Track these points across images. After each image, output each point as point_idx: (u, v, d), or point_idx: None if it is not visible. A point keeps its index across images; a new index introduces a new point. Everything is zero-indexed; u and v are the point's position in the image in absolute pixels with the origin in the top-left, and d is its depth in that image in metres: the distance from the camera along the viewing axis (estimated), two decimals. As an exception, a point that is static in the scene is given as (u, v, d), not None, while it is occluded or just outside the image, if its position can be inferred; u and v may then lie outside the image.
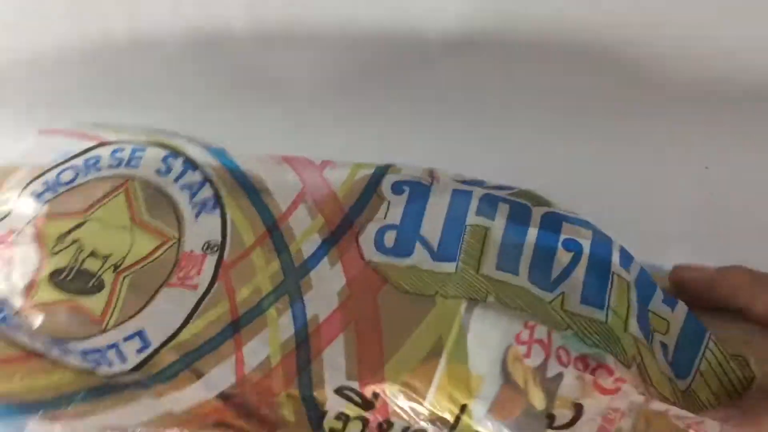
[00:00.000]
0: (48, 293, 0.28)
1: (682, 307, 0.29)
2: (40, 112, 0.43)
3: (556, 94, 0.41)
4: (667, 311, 0.28)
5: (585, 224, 0.29)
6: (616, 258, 0.28)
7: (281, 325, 0.27)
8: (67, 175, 0.31)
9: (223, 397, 0.27)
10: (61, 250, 0.29)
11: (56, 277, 0.28)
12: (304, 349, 0.27)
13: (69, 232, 0.29)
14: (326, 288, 0.28)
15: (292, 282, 0.28)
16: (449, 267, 0.28)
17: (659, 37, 0.39)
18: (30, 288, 0.28)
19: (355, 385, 0.26)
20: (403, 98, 0.42)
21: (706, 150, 0.40)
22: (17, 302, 0.28)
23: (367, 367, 0.27)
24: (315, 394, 0.27)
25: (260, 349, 0.27)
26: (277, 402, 0.27)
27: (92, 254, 0.29)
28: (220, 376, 0.27)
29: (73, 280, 0.28)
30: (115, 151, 0.31)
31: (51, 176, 0.31)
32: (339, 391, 0.26)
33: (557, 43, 0.40)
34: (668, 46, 0.39)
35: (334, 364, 0.27)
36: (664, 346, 0.28)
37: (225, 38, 0.41)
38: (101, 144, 0.32)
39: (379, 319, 0.27)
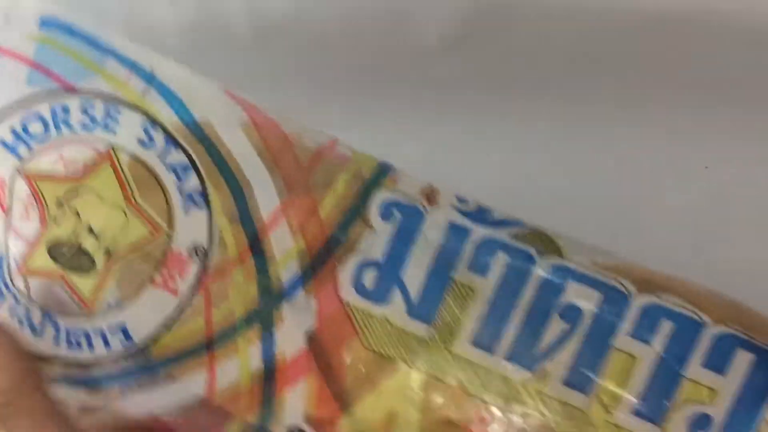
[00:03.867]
0: (43, 261, 0.28)
1: (738, 369, 0.24)
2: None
3: (555, 94, 0.41)
4: (712, 376, 0.24)
5: (599, 285, 0.25)
6: (627, 325, 0.25)
7: (251, 354, 0.27)
8: (36, 128, 0.28)
9: (185, 409, 0.27)
10: (60, 219, 0.28)
11: (55, 250, 0.28)
12: (269, 383, 0.27)
13: (66, 197, 0.28)
14: (297, 324, 0.26)
15: (266, 311, 0.27)
16: (421, 330, 0.26)
17: (660, 34, 0.39)
18: (28, 253, 0.28)
19: (307, 429, 0.27)
20: (403, 96, 0.42)
21: (706, 150, 0.40)
22: (12, 263, 0.28)
23: (323, 417, 0.26)
24: (270, 426, 0.27)
25: (232, 371, 0.27)
26: (228, 424, 0.27)
27: (89, 230, 0.28)
28: (191, 387, 0.27)
29: (72, 258, 0.28)
30: (86, 106, 0.28)
31: (16, 122, 0.28)
32: (291, 430, 0.27)
33: (557, 41, 0.40)
34: (670, 44, 0.39)
35: (293, 405, 0.27)
36: (704, 419, 0.24)
37: (225, 37, 0.42)
38: (68, 90, 0.28)
39: (342, 371, 0.26)
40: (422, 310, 0.26)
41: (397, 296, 0.26)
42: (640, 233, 0.41)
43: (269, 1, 0.41)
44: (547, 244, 0.26)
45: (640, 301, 0.25)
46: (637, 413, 0.25)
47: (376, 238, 0.26)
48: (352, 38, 0.41)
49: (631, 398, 0.25)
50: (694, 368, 0.24)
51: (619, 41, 0.40)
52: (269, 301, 0.27)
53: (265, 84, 0.42)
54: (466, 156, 0.41)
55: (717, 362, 0.24)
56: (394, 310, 0.26)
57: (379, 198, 0.27)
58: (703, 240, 0.38)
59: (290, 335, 0.26)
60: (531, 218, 0.38)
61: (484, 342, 0.25)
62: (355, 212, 0.27)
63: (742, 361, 0.24)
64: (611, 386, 0.25)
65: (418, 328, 0.26)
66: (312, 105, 0.42)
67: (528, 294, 0.25)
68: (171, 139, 0.28)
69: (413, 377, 0.26)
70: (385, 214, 0.27)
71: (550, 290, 0.25)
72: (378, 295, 0.26)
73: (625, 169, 0.40)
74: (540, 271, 0.26)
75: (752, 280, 0.36)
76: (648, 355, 0.25)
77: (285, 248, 0.27)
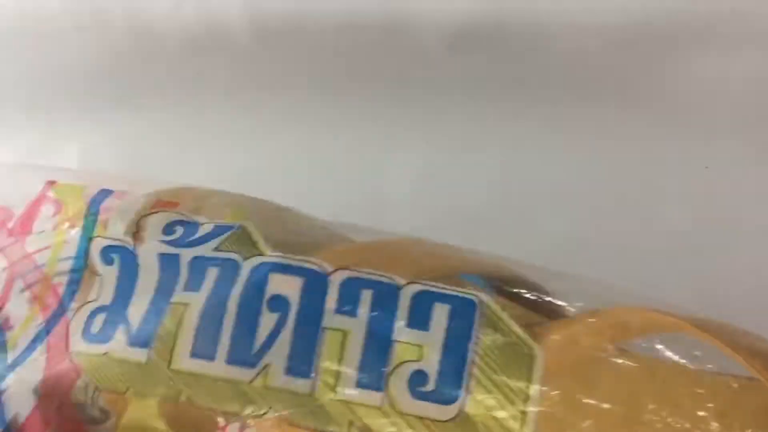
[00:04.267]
0: None
1: (439, 321, 0.25)
2: (40, 114, 0.43)
3: (554, 94, 0.41)
4: (418, 334, 0.25)
5: (297, 270, 0.26)
6: (331, 304, 0.26)
7: None
8: None
9: None
10: None
11: None
12: None
13: None
14: (26, 385, 0.27)
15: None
16: (141, 355, 0.26)
17: (659, 35, 0.39)
18: None
19: None
20: (403, 97, 0.42)
21: (706, 150, 0.40)
22: None
23: None
24: None
25: None
26: None
27: None
28: None
29: None
30: None
31: None
32: None
33: (555, 43, 0.40)
34: (669, 45, 0.39)
35: None
36: (420, 375, 0.25)
37: (225, 38, 0.42)
38: None
39: (75, 418, 0.27)
40: (140, 337, 0.26)
41: (120, 332, 0.27)
42: (640, 233, 0.40)
43: (269, 1, 0.41)
44: (248, 243, 0.27)
45: (338, 277, 0.26)
46: (360, 384, 0.25)
47: (103, 286, 0.27)
48: (352, 39, 0.41)
49: (351, 372, 0.25)
50: (401, 330, 0.25)
51: (619, 42, 0.40)
52: (4, 370, 0.27)
53: (265, 85, 0.42)
54: (465, 157, 0.41)
55: (419, 320, 0.25)
56: (115, 344, 0.26)
57: (97, 245, 0.28)
58: (704, 240, 0.38)
59: (21, 396, 0.27)
60: (531, 218, 0.38)
61: (203, 351, 0.26)
62: (79, 265, 0.28)
63: (441, 313, 0.25)
64: (330, 365, 0.25)
65: (136, 354, 0.26)
66: (311, 106, 0.42)
67: (236, 296, 0.26)
68: None
69: (146, 404, 0.26)
70: (107, 259, 0.28)
71: (255, 287, 0.26)
72: (103, 337, 0.27)
73: (625, 169, 0.40)
74: (244, 272, 0.26)
75: (753, 280, 0.36)
76: (357, 327, 0.25)
77: (21, 318, 0.27)
